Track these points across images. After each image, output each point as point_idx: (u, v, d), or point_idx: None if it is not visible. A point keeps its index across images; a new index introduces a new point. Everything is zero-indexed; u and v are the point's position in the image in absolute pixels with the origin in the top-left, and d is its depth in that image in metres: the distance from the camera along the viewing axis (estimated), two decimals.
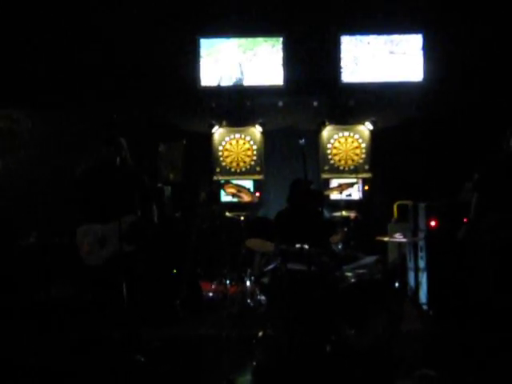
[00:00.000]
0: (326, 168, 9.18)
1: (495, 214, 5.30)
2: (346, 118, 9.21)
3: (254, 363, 5.01)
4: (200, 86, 9.04)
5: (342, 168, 9.18)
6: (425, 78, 8.96)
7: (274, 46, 8.99)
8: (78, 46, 8.67)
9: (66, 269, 6.98)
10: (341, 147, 9.19)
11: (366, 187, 8.83)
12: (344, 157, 9.18)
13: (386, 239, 6.75)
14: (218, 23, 8.88)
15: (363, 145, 9.19)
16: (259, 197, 8.74)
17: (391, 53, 9.01)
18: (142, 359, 5.06)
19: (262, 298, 6.47)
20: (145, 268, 5.81)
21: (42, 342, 5.77)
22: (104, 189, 5.35)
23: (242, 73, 9.08)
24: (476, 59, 8.65)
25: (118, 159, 5.36)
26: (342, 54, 9.00)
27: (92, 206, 5.41)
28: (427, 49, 8.92)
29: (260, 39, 9.03)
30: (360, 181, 8.87)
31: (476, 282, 5.85)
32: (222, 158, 9.22)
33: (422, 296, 6.84)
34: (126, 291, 5.13)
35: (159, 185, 7.86)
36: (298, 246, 5.44)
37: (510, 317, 5.22)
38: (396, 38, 9.01)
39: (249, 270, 7.25)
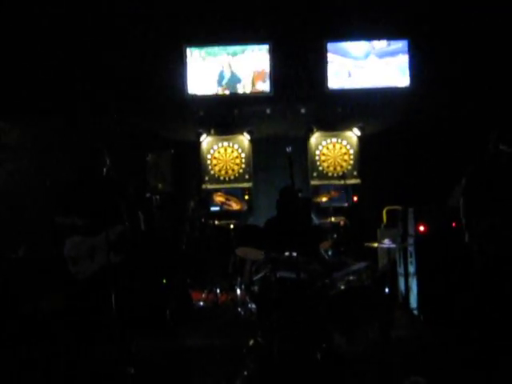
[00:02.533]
0: (315, 174, 9.20)
1: (486, 219, 5.30)
2: (333, 125, 9.25)
3: (245, 372, 4.99)
4: (187, 94, 9.05)
5: (330, 174, 9.20)
6: (411, 84, 9.02)
7: (261, 53, 9.00)
8: (66, 58, 8.64)
9: (55, 282, 6.94)
10: (329, 154, 9.21)
11: (355, 198, 8.83)
12: (332, 163, 9.21)
13: (375, 245, 6.75)
14: (204, 32, 8.91)
15: (351, 151, 9.22)
16: (248, 205, 8.74)
17: (378, 59, 9.06)
18: (132, 371, 5.02)
19: (253, 306, 6.44)
20: (134, 278, 5.79)
21: (30, 355, 5.72)
22: (90, 200, 5.33)
23: (229, 81, 9.09)
24: (461, 65, 8.71)
25: (104, 170, 5.35)
26: (329, 61, 9.03)
27: (80, 218, 5.39)
28: (413, 55, 8.97)
29: (247, 47, 9.06)
30: (349, 187, 8.87)
31: (466, 288, 5.84)
32: (210, 167, 9.22)
33: (413, 301, 6.84)
34: (116, 302, 5.11)
35: (148, 194, 7.84)
36: (287, 253, 5.43)
37: (499, 322, 5.23)
38: (382, 44, 9.06)
39: (239, 279, 7.24)
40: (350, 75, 9.08)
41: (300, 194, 6.33)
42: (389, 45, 9.05)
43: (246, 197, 8.69)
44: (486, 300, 5.35)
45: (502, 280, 5.24)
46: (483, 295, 5.38)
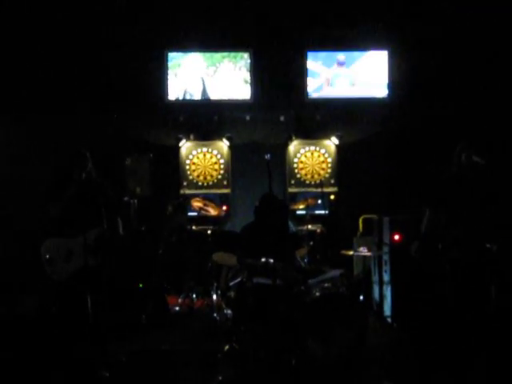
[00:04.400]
0: (293, 182, 9.26)
1: (455, 229, 5.38)
2: (312, 133, 9.32)
3: (220, 378, 5.01)
4: (167, 99, 9.07)
5: (308, 182, 9.26)
6: (390, 94, 9.14)
7: (241, 60, 9.06)
8: (45, 58, 8.59)
9: (30, 283, 6.90)
10: (307, 161, 9.28)
11: (332, 197, 8.89)
12: (310, 171, 9.27)
13: (350, 253, 6.82)
14: (185, 37, 8.93)
15: (329, 159, 9.29)
16: (226, 210, 8.78)
17: (357, 68, 9.16)
18: (107, 374, 5.02)
19: (229, 312, 6.47)
20: (110, 281, 5.78)
21: (4, 358, 5.67)
22: (69, 202, 5.32)
23: (209, 87, 9.13)
24: (440, 76, 8.84)
25: (83, 173, 5.35)
26: (309, 69, 9.12)
27: (57, 220, 5.38)
28: (392, 65, 9.09)
29: (228, 53, 9.10)
30: (325, 195, 8.92)
31: (438, 296, 5.93)
32: (189, 172, 9.22)
33: (387, 309, 6.92)
34: (91, 305, 5.10)
35: (126, 198, 7.84)
36: (263, 259, 5.47)
37: (471, 329, 5.31)
38: (362, 54, 9.17)
39: (215, 284, 7.26)
40: (329, 84, 9.17)
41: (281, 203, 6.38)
42: (368, 55, 9.16)
43: (224, 206, 8.70)
44: (456, 306, 5.43)
45: (470, 285, 5.33)
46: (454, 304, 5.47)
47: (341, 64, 9.14)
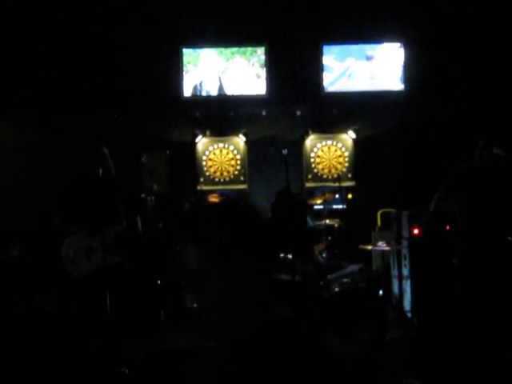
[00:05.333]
0: (310, 177, 9.21)
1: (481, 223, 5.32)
2: (328, 127, 9.26)
3: (239, 374, 4.98)
4: (183, 96, 9.05)
5: (325, 177, 9.21)
6: (406, 87, 9.05)
7: (256, 55, 9.02)
8: (62, 58, 8.63)
9: (50, 280, 6.93)
10: (324, 156, 9.23)
11: (350, 195, 8.84)
12: (327, 165, 9.22)
13: (369, 248, 6.77)
14: (200, 33, 8.90)
15: (346, 153, 9.24)
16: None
17: (373, 62, 9.08)
18: (127, 371, 5.03)
19: None
20: (129, 279, 5.79)
21: (24, 355, 5.70)
22: (88, 200, 5.33)
23: (224, 83, 9.10)
24: (456, 68, 8.75)
25: (100, 170, 5.36)
26: (324, 63, 9.06)
27: (77, 218, 5.39)
28: (408, 58, 9.00)
29: (243, 49, 9.06)
30: (343, 190, 8.86)
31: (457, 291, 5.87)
32: (205, 168, 9.21)
33: (406, 304, 6.86)
34: (111, 303, 5.12)
35: (143, 195, 7.85)
36: (282, 255, 5.45)
37: (488, 325, 5.25)
38: (377, 47, 9.09)
39: None
40: (345, 78, 9.10)
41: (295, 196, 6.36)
42: (384, 48, 9.07)
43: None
44: (472, 303, 5.38)
45: (487, 284, 5.27)
46: (469, 299, 5.41)
47: (357, 57, 9.06)
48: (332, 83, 9.09)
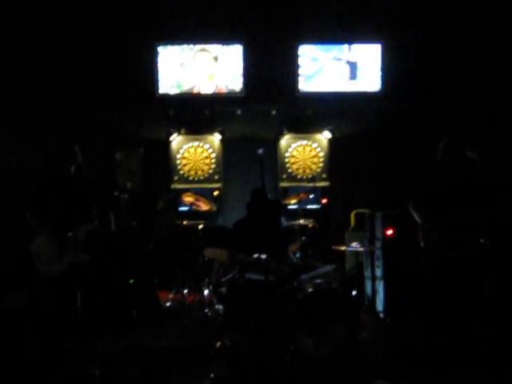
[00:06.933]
0: (284, 176, 9.21)
1: (444, 223, 5.36)
2: (304, 127, 9.27)
3: (212, 375, 4.97)
4: (158, 93, 8.98)
5: (299, 177, 9.22)
6: (382, 88, 9.09)
7: (232, 53, 8.98)
8: (33, 52, 8.50)
9: (20, 278, 6.83)
10: (299, 156, 9.24)
11: (324, 200, 8.84)
12: (302, 165, 9.23)
13: (343, 248, 6.79)
14: (176, 30, 8.85)
15: (321, 153, 9.26)
16: (218, 196, 8.63)
17: (349, 62, 9.11)
18: (97, 372, 4.97)
19: (220, 307, 6.44)
20: (102, 277, 5.73)
21: None
22: (60, 198, 5.28)
23: (200, 80, 9.05)
24: (433, 69, 8.81)
25: (72, 167, 5.30)
26: (300, 63, 9.06)
27: (48, 216, 5.33)
28: (385, 59, 9.04)
29: (219, 46, 9.02)
30: (318, 190, 8.87)
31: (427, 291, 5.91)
32: (180, 166, 9.16)
33: (379, 304, 6.91)
34: (82, 301, 5.06)
35: (116, 193, 7.77)
36: (255, 255, 5.43)
37: (464, 325, 5.31)
38: (354, 47, 9.11)
39: (207, 280, 7.23)
40: (321, 78, 9.10)
41: (269, 196, 6.35)
42: (361, 48, 9.10)
43: (215, 192, 8.58)
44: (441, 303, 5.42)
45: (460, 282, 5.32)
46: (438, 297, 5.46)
47: (332, 57, 9.07)
48: (307, 83, 9.09)
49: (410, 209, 5.63)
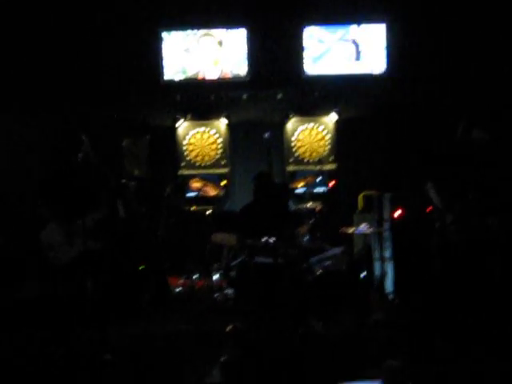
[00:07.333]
0: (291, 160, 9.18)
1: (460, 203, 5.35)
2: (310, 110, 9.22)
3: (222, 359, 5.01)
4: (163, 79, 8.96)
5: (306, 160, 9.19)
6: (389, 69, 9.01)
7: (237, 37, 8.94)
8: (38, 44, 8.49)
9: (32, 268, 6.88)
10: (305, 139, 9.20)
11: (332, 183, 8.79)
12: (309, 149, 9.20)
13: (351, 230, 6.79)
14: (180, 15, 8.80)
15: (328, 136, 9.21)
16: (226, 185, 8.64)
17: (354, 43, 9.04)
18: (110, 357, 5.02)
19: (229, 291, 6.47)
20: (111, 265, 5.77)
21: (7, 342, 5.68)
22: (69, 187, 5.31)
23: (205, 65, 9.02)
24: (440, 49, 8.73)
25: (79, 156, 5.32)
26: (306, 45, 9.00)
27: (58, 205, 5.37)
28: (391, 39, 8.96)
29: (223, 31, 8.97)
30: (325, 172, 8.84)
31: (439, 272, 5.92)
32: (186, 152, 9.14)
33: (388, 286, 6.92)
34: (93, 288, 5.10)
35: (123, 180, 7.79)
36: (264, 239, 5.45)
37: (471, 306, 5.32)
38: (359, 28, 9.03)
39: (216, 264, 7.26)
40: (327, 60, 9.04)
41: (276, 180, 6.36)
42: (367, 29, 9.02)
43: (223, 182, 8.61)
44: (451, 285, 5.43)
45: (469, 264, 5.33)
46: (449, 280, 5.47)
47: (338, 39, 9.01)
48: (313, 65, 9.04)
49: (427, 187, 5.61)
